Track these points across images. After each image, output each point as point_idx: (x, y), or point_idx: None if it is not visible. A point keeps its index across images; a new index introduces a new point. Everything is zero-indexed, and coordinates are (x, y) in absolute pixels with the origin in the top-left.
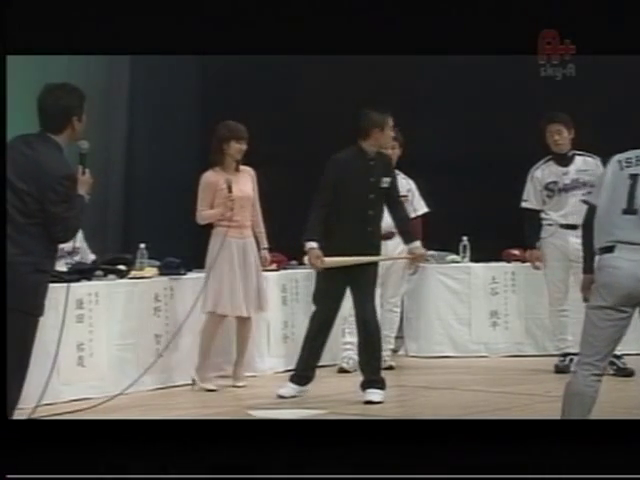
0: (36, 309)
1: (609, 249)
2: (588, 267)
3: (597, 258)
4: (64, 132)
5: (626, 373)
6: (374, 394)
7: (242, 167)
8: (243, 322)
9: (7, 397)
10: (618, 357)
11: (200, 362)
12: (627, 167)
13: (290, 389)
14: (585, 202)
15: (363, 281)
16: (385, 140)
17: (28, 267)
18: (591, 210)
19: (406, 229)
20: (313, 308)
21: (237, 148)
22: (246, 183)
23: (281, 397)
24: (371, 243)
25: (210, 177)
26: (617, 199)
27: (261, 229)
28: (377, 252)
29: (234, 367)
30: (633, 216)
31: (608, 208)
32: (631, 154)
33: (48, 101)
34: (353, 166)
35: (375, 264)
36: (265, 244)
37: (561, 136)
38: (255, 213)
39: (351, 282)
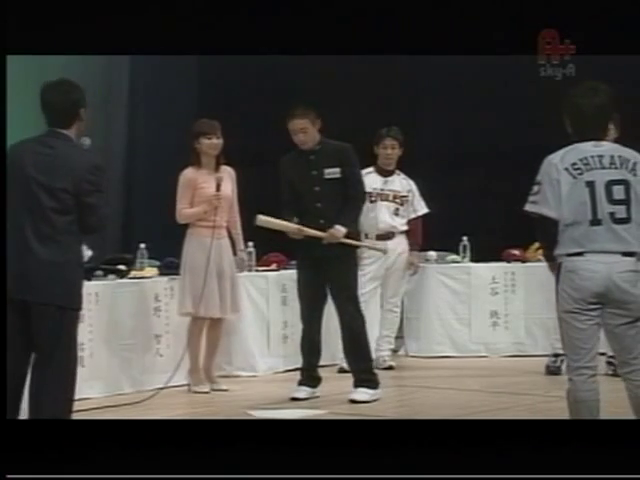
0: (81, 303)
1: (578, 254)
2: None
3: (560, 262)
4: (73, 125)
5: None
6: (357, 393)
7: (222, 167)
8: (215, 323)
9: (7, 397)
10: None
11: (191, 365)
12: (579, 174)
13: (303, 392)
14: (538, 214)
15: (339, 283)
16: (292, 134)
17: (72, 264)
18: (548, 222)
19: (345, 211)
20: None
21: (207, 144)
22: (225, 183)
23: (295, 399)
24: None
25: (189, 174)
26: (580, 210)
27: (238, 230)
28: (336, 244)
29: (205, 370)
30: (600, 226)
31: (572, 220)
32: (572, 158)
33: (55, 97)
34: (294, 163)
35: (349, 266)
36: (242, 246)
37: None
38: (233, 214)
39: (328, 284)
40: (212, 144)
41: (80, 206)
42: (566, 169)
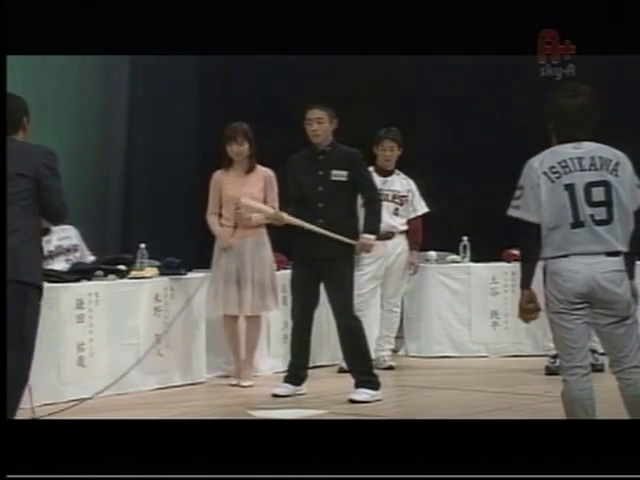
0: (42, 280)
1: (562, 256)
2: (527, 283)
3: (545, 264)
4: (19, 132)
5: (597, 369)
6: (357, 393)
7: (259, 168)
8: (251, 321)
9: (7, 394)
10: (592, 352)
11: (233, 362)
12: (557, 178)
13: (285, 388)
14: (519, 219)
15: (334, 285)
16: (307, 124)
17: (35, 246)
18: (529, 226)
19: (368, 219)
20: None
21: (228, 149)
22: (253, 185)
23: (276, 396)
24: (324, 235)
25: (215, 177)
26: (561, 213)
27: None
28: (334, 245)
29: (242, 366)
30: (582, 229)
31: (554, 224)
32: (550, 161)
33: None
34: (302, 161)
35: (346, 269)
36: None
37: None
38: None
39: (323, 284)
40: (231, 150)
41: (42, 190)
42: (544, 173)
